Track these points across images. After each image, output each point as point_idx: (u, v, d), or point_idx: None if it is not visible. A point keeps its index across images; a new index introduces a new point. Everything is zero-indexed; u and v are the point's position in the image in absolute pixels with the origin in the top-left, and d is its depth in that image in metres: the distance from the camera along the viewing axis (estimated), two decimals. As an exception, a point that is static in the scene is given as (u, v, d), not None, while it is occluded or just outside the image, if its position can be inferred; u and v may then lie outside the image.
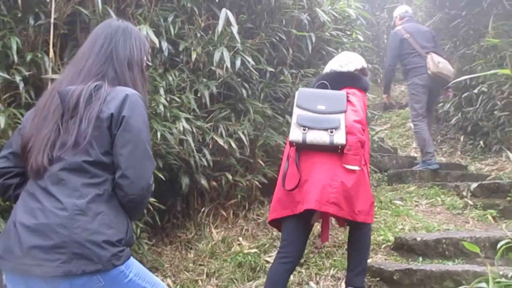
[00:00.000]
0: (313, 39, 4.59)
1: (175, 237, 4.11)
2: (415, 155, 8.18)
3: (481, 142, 7.61)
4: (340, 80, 3.23)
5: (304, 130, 2.92)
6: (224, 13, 3.74)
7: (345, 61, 3.37)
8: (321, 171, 2.92)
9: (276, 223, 3.17)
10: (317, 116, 2.97)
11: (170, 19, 3.79)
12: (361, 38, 5.41)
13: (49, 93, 1.86)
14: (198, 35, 3.94)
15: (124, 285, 1.72)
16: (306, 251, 4.00)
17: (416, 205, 5.32)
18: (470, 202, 5.12)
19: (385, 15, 11.94)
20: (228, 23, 3.86)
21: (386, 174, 6.32)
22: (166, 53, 3.70)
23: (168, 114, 3.55)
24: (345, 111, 2.97)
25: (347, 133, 2.90)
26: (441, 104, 8.51)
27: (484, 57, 7.28)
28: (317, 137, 2.90)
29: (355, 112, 3.00)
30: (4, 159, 1.89)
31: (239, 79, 4.09)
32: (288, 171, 3.01)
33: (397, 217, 4.81)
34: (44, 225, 1.64)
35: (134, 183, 1.73)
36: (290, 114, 4.38)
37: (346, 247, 4.11)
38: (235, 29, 3.80)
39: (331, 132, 2.90)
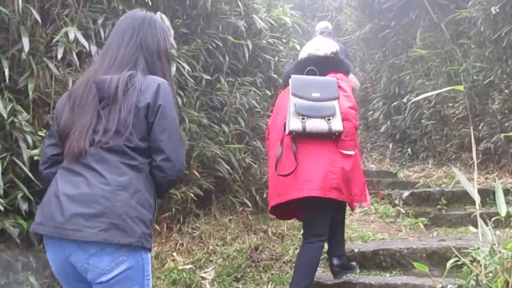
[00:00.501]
0: (250, 46, 4.47)
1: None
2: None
3: (409, 150, 7.81)
4: (324, 65, 3.25)
5: (303, 119, 2.96)
6: (159, 17, 3.52)
7: (320, 44, 3.39)
8: (320, 158, 2.97)
9: (275, 211, 3.26)
10: (313, 104, 3.01)
11: (100, 22, 3.53)
12: (298, 46, 5.35)
13: (85, 82, 1.95)
14: (131, 39, 3.70)
15: (140, 270, 1.84)
16: (243, 265, 3.87)
17: (351, 214, 5.31)
18: (402, 211, 5.19)
19: (316, 23, 12.06)
20: (162, 27, 3.64)
21: (320, 182, 6.29)
22: (95, 58, 3.43)
23: (98, 123, 3.29)
24: (338, 98, 3.03)
25: (343, 119, 2.96)
26: (371, 112, 8.67)
27: (412, 67, 7.47)
28: (316, 125, 2.94)
29: (348, 97, 3.07)
30: (54, 146, 2.01)
31: (174, 87, 3.87)
32: (282, 157, 3.04)
33: (333, 226, 4.77)
34: (87, 195, 1.77)
35: (175, 165, 1.88)
36: (227, 124, 4.25)
37: (283, 260, 4.03)
38: (171, 34, 3.59)
39: (328, 119, 2.95)
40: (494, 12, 5.61)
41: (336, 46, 3.45)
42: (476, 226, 4.62)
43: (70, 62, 3.31)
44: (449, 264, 2.21)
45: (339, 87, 3.08)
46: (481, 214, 4.70)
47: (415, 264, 2.25)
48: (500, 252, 1.89)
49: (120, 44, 1.99)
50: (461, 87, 1.80)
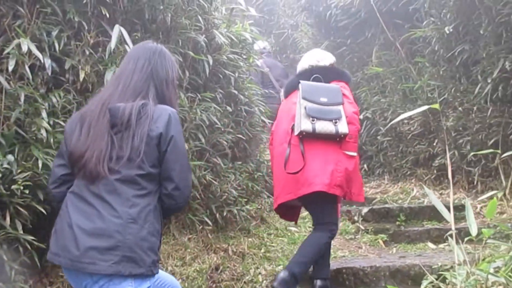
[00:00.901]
0: (210, 61, 4.37)
1: (56, 277, 3.60)
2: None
3: (365, 166, 7.84)
4: (327, 74, 3.59)
5: (313, 120, 3.27)
6: (117, 30, 3.39)
7: (320, 56, 3.78)
8: (326, 157, 3.29)
9: (280, 210, 3.65)
10: (322, 107, 3.32)
11: (54, 34, 3.36)
12: (258, 63, 5.30)
13: (100, 106, 2.07)
14: (87, 52, 3.54)
15: None
16: (203, 286, 3.74)
17: (310, 231, 5.25)
18: (362, 227, 5.18)
19: (272, 40, 12.09)
20: (121, 41, 3.51)
21: (279, 199, 6.23)
22: (49, 71, 3.26)
23: (52, 140, 3.10)
24: (342, 103, 3.36)
25: (348, 123, 3.29)
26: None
27: (368, 84, 7.56)
28: (324, 127, 3.25)
29: (352, 104, 3.45)
30: (63, 166, 2.13)
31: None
32: (290, 157, 3.34)
33: (294, 244, 4.72)
34: (101, 229, 1.89)
35: (183, 193, 2.07)
36: (187, 140, 4.13)
37: (244, 280, 3.93)
38: (129, 47, 3.46)
39: (335, 122, 3.26)
40: (447, 32, 5.72)
41: (333, 58, 3.87)
42: (434, 242, 4.72)
43: (22, 75, 3.14)
44: (423, 286, 2.16)
45: (343, 94, 3.43)
46: (439, 230, 4.79)
47: (388, 287, 2.19)
48: (474, 273, 1.85)
49: (134, 71, 2.14)
50: (436, 106, 1.76)
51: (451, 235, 2.10)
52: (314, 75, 3.56)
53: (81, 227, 1.91)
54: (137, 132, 1.97)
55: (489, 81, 5.24)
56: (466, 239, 2.27)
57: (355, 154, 3.39)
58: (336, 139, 3.29)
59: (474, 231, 1.88)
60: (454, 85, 5.88)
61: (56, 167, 2.17)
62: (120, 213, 1.91)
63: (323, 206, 3.43)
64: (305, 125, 3.27)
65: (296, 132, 3.36)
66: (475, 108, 5.59)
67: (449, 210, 4.67)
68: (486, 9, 5.26)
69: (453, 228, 1.82)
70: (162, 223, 2.09)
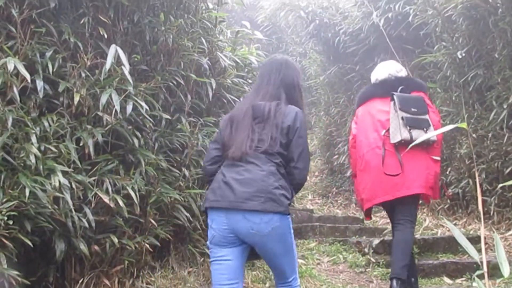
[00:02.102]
0: (214, 85, 4.16)
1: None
2: (312, 207, 7.97)
3: (375, 195, 7.53)
4: (409, 85, 3.84)
5: (410, 130, 3.58)
6: (114, 50, 3.19)
7: (398, 67, 4.00)
8: (420, 162, 3.63)
9: (368, 211, 3.96)
10: (415, 117, 3.62)
11: (48, 55, 3.17)
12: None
13: (245, 109, 2.68)
14: (83, 74, 3.34)
15: (287, 230, 2.54)
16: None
17: (318, 263, 4.97)
18: (373, 260, 4.87)
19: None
20: (118, 62, 3.31)
21: (286, 229, 5.95)
22: (41, 94, 3.06)
23: (41, 167, 2.88)
24: (428, 112, 3.68)
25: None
26: (336, 156, 8.43)
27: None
28: (418, 135, 3.54)
29: (435, 112, 3.84)
30: (217, 149, 2.73)
31: (130, 127, 3.50)
32: (385, 161, 3.63)
33: (301, 278, 4.40)
34: (249, 179, 2.49)
35: (302, 172, 2.61)
36: (188, 167, 3.89)
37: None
38: (126, 69, 3.26)
39: (425, 130, 3.60)
40: (460, 57, 5.52)
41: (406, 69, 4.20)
42: (450, 277, 4.40)
43: (14, 98, 2.94)
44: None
45: (427, 103, 3.75)
46: (455, 264, 4.48)
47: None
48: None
49: (268, 82, 2.74)
50: (464, 125, 1.51)
51: (479, 275, 1.81)
52: (401, 86, 3.77)
53: (235, 179, 2.52)
54: (273, 123, 2.59)
55: (504, 106, 4.99)
56: (498, 280, 1.98)
57: (439, 158, 3.76)
58: (424, 145, 3.64)
59: (506, 272, 1.60)
60: (467, 111, 5.63)
61: (212, 149, 2.76)
62: (263, 168, 2.51)
63: (411, 205, 3.74)
64: (404, 134, 3.58)
65: (395, 140, 3.63)
66: (490, 135, 5.33)
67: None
68: (501, 32, 5.05)
69: (484, 268, 1.55)
70: (291, 189, 2.59)
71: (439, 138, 3.74)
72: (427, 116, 3.66)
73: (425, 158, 3.65)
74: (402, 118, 3.58)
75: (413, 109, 3.64)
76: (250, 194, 2.45)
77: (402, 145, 3.58)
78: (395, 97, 3.66)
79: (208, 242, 2.65)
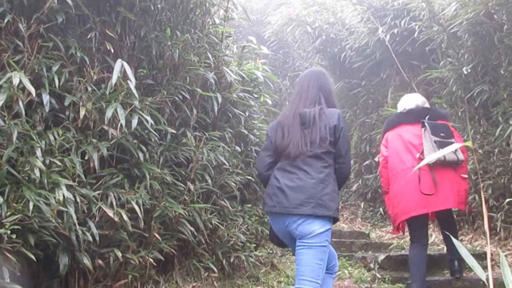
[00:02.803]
0: (219, 99, 4.14)
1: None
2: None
3: (381, 209, 7.48)
4: (434, 115, 4.31)
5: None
6: (120, 65, 3.18)
7: (423, 100, 4.52)
8: (451, 180, 4.06)
9: (402, 224, 4.31)
10: (444, 140, 4.02)
11: (55, 69, 3.16)
12: (269, 101, 5.07)
13: (292, 114, 3.02)
14: (89, 89, 3.32)
15: (327, 237, 2.79)
16: None
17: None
18: (378, 275, 4.78)
19: (287, 83, 11.93)
20: (124, 76, 3.29)
21: (291, 243, 5.87)
22: (47, 108, 3.04)
23: (46, 181, 2.85)
24: (453, 137, 4.14)
25: (462, 151, 4.14)
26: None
27: (383, 126, 7.25)
28: (450, 156, 4.04)
29: (459, 137, 4.36)
30: (269, 156, 3.07)
31: (135, 141, 3.47)
32: (422, 180, 4.02)
33: (306, 294, 4.32)
34: (301, 186, 2.81)
35: (348, 166, 2.98)
36: (193, 181, 3.85)
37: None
38: (132, 83, 3.24)
39: (455, 152, 4.04)
40: (465, 73, 5.47)
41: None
42: (457, 294, 4.30)
43: (19, 112, 2.92)
44: None
45: (452, 130, 4.24)
46: (462, 281, 4.39)
47: None
48: None
49: (308, 88, 3.08)
50: (469, 143, 1.47)
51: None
52: (428, 115, 4.22)
53: (288, 186, 2.85)
54: (321, 125, 2.90)
55: (510, 122, 4.94)
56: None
57: (466, 176, 4.23)
58: (453, 165, 4.11)
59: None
60: (473, 126, 5.58)
61: (265, 157, 3.10)
62: (313, 176, 2.83)
63: (447, 217, 4.39)
64: (439, 155, 3.80)
65: (430, 161, 3.90)
66: (496, 150, 5.26)
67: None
68: (506, 49, 5.01)
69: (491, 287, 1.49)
70: (337, 188, 2.94)
71: (465, 158, 4.19)
72: (453, 140, 4.09)
73: (455, 176, 4.10)
74: (435, 141, 4.01)
75: (441, 134, 4.08)
76: (301, 200, 2.79)
77: (435, 165, 4.03)
78: (426, 124, 4.12)
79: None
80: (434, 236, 5.97)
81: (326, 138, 2.87)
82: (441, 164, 4.03)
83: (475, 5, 5.10)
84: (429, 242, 5.69)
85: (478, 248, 5.33)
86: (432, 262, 4.85)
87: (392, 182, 4.22)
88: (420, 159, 4.02)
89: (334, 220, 2.85)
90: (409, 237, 6.17)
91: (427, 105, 4.48)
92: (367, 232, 6.95)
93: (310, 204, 2.75)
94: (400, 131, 4.27)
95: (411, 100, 4.50)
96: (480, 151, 5.45)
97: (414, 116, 4.28)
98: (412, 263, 4.16)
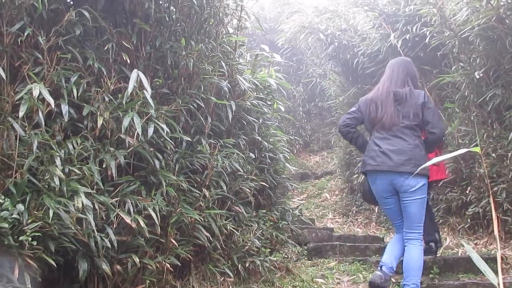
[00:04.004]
0: (234, 107, 4.16)
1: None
2: (332, 225, 7.86)
3: (395, 214, 7.39)
4: None
5: None
6: (136, 75, 3.22)
7: None
8: None
9: None
10: None
11: (73, 80, 3.21)
12: (282, 108, 5.08)
13: (385, 92, 3.77)
14: (107, 98, 3.36)
15: (425, 188, 3.66)
16: None
17: (338, 283, 4.87)
18: (393, 280, 4.73)
19: (300, 89, 11.94)
20: (140, 86, 3.33)
21: (306, 248, 5.86)
22: (66, 118, 3.09)
23: (65, 188, 2.89)
24: None
25: None
26: (356, 175, 8.33)
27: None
28: None
29: None
30: (350, 119, 3.90)
31: (151, 149, 3.51)
32: None
33: (321, 297, 4.33)
34: (401, 150, 3.57)
35: (437, 131, 3.66)
36: (208, 188, 3.87)
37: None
38: (148, 93, 3.28)
39: None
40: (477, 77, 5.43)
41: None
42: (471, 297, 4.25)
43: (39, 123, 2.97)
44: None
45: None
46: (477, 285, 4.34)
47: None
48: None
49: (398, 72, 3.83)
50: (477, 149, 1.47)
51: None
52: None
53: (389, 149, 3.58)
54: (411, 103, 3.66)
55: (524, 126, 4.88)
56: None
57: None
58: None
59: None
60: (486, 130, 5.52)
61: (346, 118, 3.90)
62: (409, 142, 3.59)
63: None
64: None
65: (435, 162, 4.96)
66: (509, 154, 5.20)
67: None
68: (518, 53, 4.96)
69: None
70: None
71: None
72: None
73: None
74: None
75: None
76: (403, 161, 3.52)
77: None
78: None
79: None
80: (449, 240, 5.91)
81: (416, 113, 3.61)
82: None
83: (486, 11, 5.06)
84: (444, 246, 5.67)
85: (493, 252, 5.27)
86: (446, 266, 4.81)
87: None
88: None
89: (427, 177, 3.70)
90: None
91: None
92: (381, 236, 6.90)
93: (410, 164, 3.50)
94: None
95: None
96: (493, 155, 5.39)
97: None
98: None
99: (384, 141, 3.61)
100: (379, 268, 3.85)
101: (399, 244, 3.87)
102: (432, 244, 4.73)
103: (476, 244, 5.69)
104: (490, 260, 4.48)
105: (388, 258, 3.84)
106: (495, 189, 5.36)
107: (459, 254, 5.28)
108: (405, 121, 3.59)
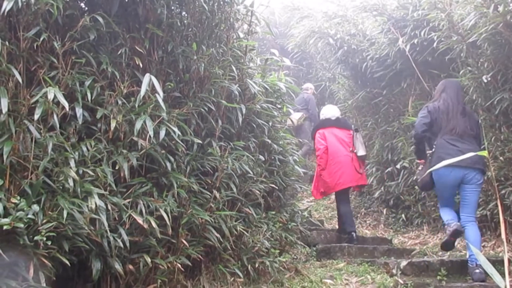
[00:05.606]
0: (244, 110, 4.16)
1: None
2: (341, 227, 7.80)
3: (403, 216, 7.39)
4: (347, 124, 6.67)
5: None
6: (148, 79, 3.23)
7: (338, 111, 6.82)
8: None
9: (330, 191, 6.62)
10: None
11: (87, 84, 3.23)
12: (291, 111, 5.07)
13: (451, 106, 4.53)
14: (120, 102, 3.38)
15: (479, 187, 4.51)
16: None
17: (347, 284, 4.84)
18: (401, 281, 4.69)
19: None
20: (153, 90, 3.35)
21: (314, 249, 5.84)
22: (80, 121, 3.11)
23: (79, 190, 2.90)
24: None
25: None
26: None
27: (404, 134, 7.20)
28: (361, 152, 6.45)
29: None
30: (426, 124, 4.51)
31: (163, 151, 3.52)
32: (354, 164, 6.44)
33: (329, 298, 4.30)
34: (473, 151, 3.90)
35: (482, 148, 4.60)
36: (218, 189, 3.87)
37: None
38: (160, 96, 3.29)
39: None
40: (485, 81, 5.38)
41: None
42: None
43: (54, 125, 2.99)
44: None
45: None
46: (484, 287, 4.28)
47: None
48: None
49: (457, 92, 4.63)
50: (485, 153, 1.45)
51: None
52: (346, 123, 6.63)
53: (467, 149, 4.15)
54: (471, 118, 4.52)
55: (531, 130, 4.82)
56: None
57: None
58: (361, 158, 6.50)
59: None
60: (494, 134, 5.47)
61: (423, 124, 4.50)
62: (476, 146, 4.38)
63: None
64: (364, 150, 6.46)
65: (361, 154, 6.36)
66: (517, 157, 5.15)
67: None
68: (526, 57, 4.91)
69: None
70: None
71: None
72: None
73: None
74: (360, 142, 6.39)
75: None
76: (476, 160, 4.24)
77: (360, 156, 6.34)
78: (356, 131, 6.46)
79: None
80: (456, 242, 5.85)
81: (476, 128, 4.49)
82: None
83: (494, 17, 5.02)
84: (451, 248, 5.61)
85: (500, 255, 5.21)
86: (454, 268, 4.77)
87: (331, 164, 6.20)
88: (353, 152, 6.28)
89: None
90: (432, 242, 6.11)
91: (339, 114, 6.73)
92: (389, 238, 6.86)
93: (479, 164, 4.31)
94: (334, 131, 6.40)
95: (337, 111, 6.74)
96: (501, 158, 5.34)
97: (341, 123, 6.52)
98: (344, 215, 6.31)
99: (459, 143, 4.32)
100: (451, 224, 4.55)
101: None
102: (353, 233, 6.12)
103: (483, 246, 5.63)
104: (498, 263, 4.44)
105: (454, 216, 4.62)
106: (503, 192, 5.31)
107: (466, 257, 5.22)
108: (471, 131, 4.41)
